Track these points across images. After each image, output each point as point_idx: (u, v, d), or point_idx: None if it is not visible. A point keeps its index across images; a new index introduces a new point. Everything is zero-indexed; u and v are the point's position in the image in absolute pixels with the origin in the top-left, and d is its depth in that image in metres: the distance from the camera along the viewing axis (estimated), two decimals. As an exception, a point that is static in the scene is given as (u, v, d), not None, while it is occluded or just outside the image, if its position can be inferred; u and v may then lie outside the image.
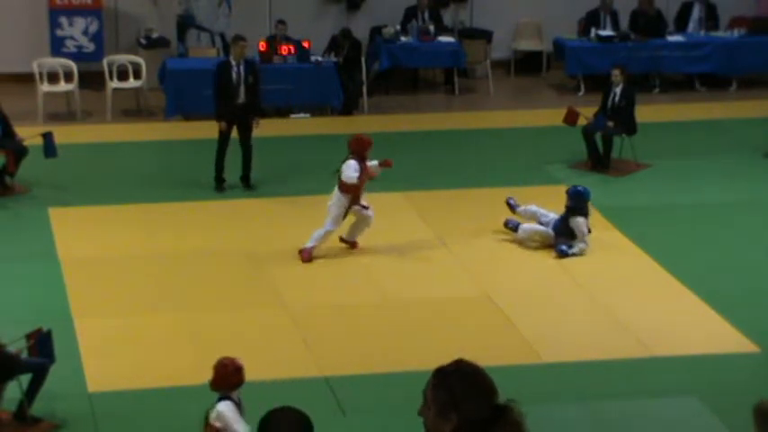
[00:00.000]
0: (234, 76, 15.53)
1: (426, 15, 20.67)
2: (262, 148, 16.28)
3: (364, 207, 13.69)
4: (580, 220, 13.82)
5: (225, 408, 8.88)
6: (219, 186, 15.75)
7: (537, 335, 11.96)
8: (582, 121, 16.77)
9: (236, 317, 12.36)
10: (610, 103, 16.73)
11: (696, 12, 21.09)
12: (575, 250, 13.75)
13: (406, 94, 20.58)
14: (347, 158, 13.47)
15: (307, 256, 13.53)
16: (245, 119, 15.59)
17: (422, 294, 12.91)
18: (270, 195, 15.53)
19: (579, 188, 13.99)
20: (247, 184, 15.76)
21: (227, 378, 8.94)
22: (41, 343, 10.22)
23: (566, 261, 13.65)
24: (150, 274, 13.28)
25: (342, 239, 13.87)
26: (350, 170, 13.37)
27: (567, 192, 13.96)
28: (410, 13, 20.69)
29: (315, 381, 10.94)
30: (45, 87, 18.78)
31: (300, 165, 15.61)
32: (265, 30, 20.40)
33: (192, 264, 13.54)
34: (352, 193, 13.46)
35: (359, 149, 13.46)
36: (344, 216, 13.63)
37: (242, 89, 15.55)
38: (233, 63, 15.61)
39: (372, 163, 13.66)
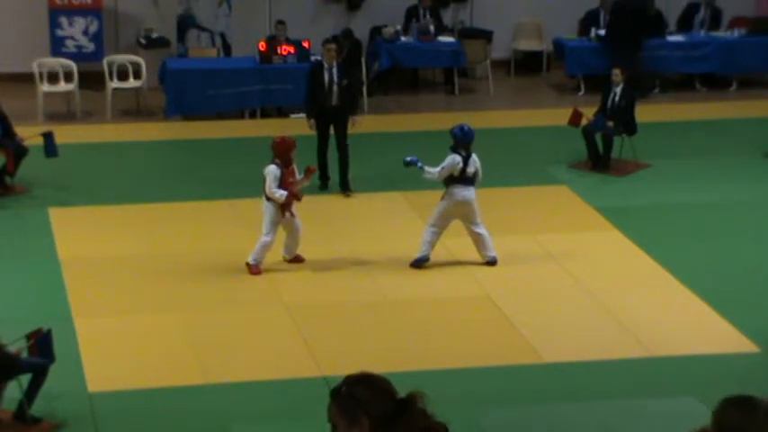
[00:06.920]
0: (326, 78, 15.48)
1: (427, 15, 20.67)
2: (261, 148, 16.26)
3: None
4: (454, 158, 13.38)
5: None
6: (323, 184, 15.69)
7: (537, 335, 11.95)
8: (582, 121, 16.77)
9: (236, 317, 12.36)
10: (610, 103, 16.73)
11: (702, 13, 21.06)
12: (427, 169, 13.35)
13: (406, 94, 20.57)
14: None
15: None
16: (340, 121, 15.54)
17: (422, 294, 12.90)
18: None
19: (464, 127, 13.58)
20: (346, 188, 15.62)
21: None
22: (41, 343, 10.21)
23: (566, 261, 13.63)
24: (150, 274, 13.27)
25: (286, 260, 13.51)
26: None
27: (452, 132, 13.54)
28: (411, 13, 20.68)
29: (315, 381, 10.93)
30: (45, 87, 18.78)
31: (300, 165, 15.55)
32: (265, 30, 20.40)
33: (191, 264, 13.53)
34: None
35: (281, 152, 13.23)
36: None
37: (335, 91, 15.47)
38: (325, 65, 15.55)
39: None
